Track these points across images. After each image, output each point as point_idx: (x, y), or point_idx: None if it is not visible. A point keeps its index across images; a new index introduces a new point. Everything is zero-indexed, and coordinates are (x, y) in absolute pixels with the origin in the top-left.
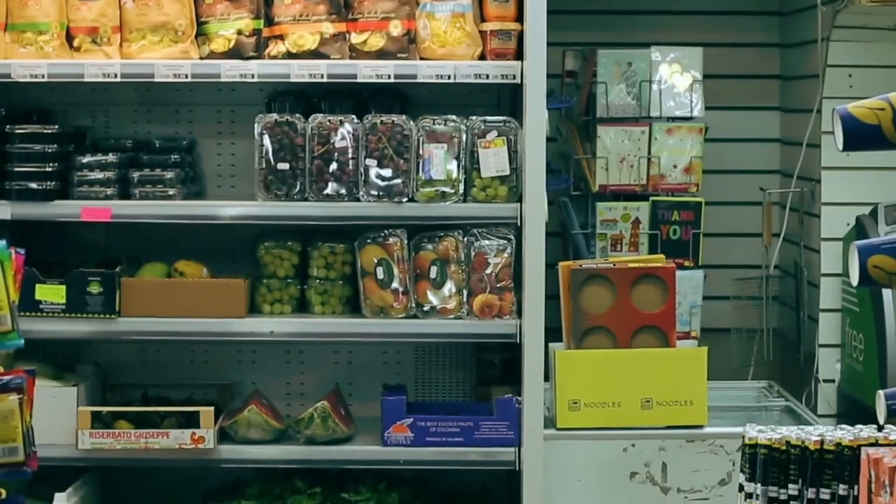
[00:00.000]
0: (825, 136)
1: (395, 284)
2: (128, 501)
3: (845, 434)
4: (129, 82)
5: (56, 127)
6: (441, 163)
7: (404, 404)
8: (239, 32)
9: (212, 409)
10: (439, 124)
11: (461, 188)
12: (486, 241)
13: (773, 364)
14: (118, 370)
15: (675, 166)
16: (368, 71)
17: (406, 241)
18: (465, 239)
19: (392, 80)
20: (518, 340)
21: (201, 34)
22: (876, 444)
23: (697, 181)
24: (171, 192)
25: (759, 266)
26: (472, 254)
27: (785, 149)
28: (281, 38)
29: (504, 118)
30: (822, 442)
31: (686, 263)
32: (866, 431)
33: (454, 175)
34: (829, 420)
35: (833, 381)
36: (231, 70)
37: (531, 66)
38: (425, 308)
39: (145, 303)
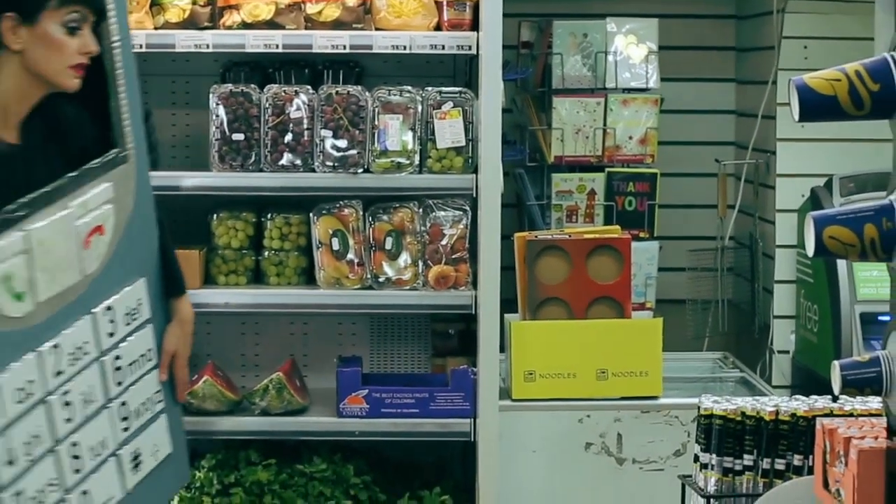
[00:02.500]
0: (780, 108)
1: (350, 255)
2: None
3: (800, 405)
4: None
5: None
6: (396, 134)
7: (359, 376)
8: (194, 2)
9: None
10: (395, 95)
11: (416, 159)
12: (442, 213)
13: (727, 335)
14: None
15: (630, 138)
16: (324, 41)
17: (361, 213)
18: (421, 210)
19: (347, 51)
20: (473, 311)
21: (156, 4)
22: (831, 414)
23: (653, 153)
24: None
25: (714, 237)
26: (428, 225)
27: (740, 120)
28: (236, 7)
29: (460, 89)
30: (777, 413)
31: (641, 235)
32: (821, 402)
33: (409, 146)
34: (783, 391)
35: (787, 352)
36: (186, 40)
37: (487, 37)
38: (381, 279)
39: None
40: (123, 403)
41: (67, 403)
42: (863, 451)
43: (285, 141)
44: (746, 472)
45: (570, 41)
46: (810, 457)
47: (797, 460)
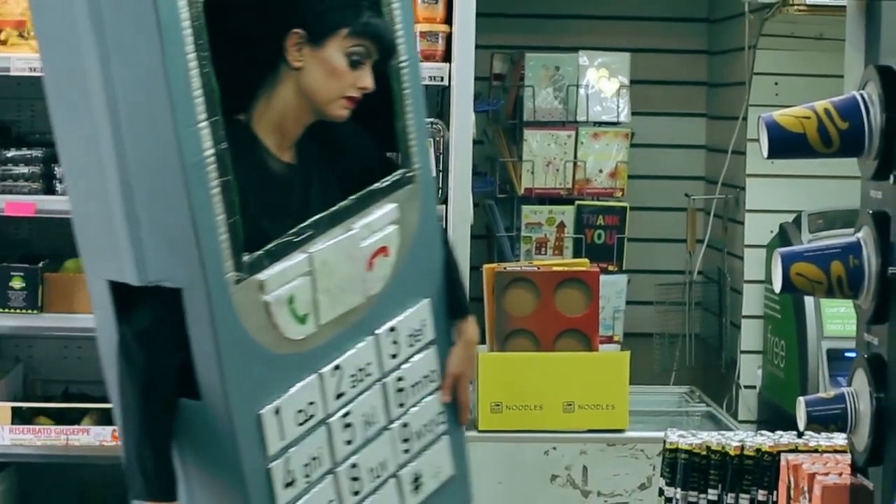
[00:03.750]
0: (750, 144)
1: None
2: (48, 498)
3: (765, 440)
4: None
5: None
6: None
7: None
8: None
9: None
10: None
11: None
12: None
13: (694, 369)
14: (40, 365)
15: (600, 171)
16: None
17: None
18: None
19: None
20: None
21: None
22: (796, 450)
23: (623, 186)
24: None
25: (683, 272)
26: None
27: (710, 155)
28: None
29: (431, 120)
30: (742, 447)
31: (610, 268)
32: (786, 437)
33: None
34: (749, 426)
35: (754, 387)
36: None
37: (459, 69)
38: None
39: (68, 298)
40: (405, 425)
41: (348, 425)
42: (827, 488)
43: None
44: None
45: (542, 74)
46: (775, 492)
47: (761, 495)
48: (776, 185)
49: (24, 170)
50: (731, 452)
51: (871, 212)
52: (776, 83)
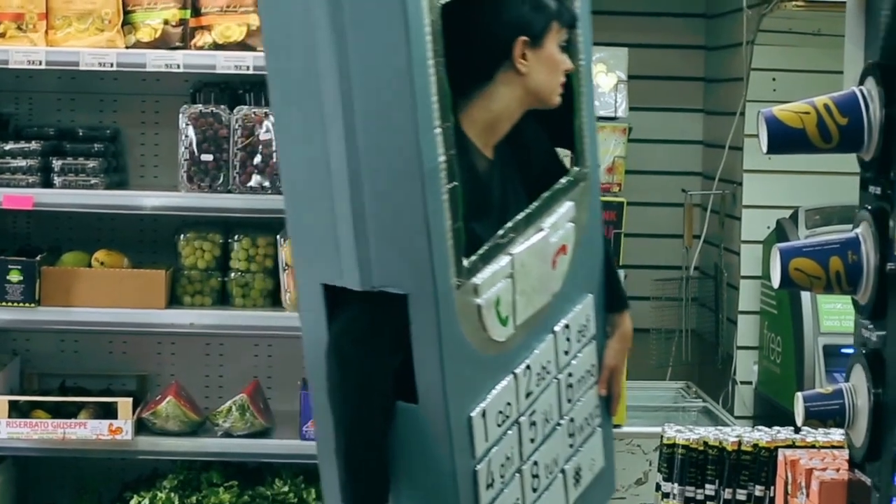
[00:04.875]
0: (748, 139)
1: None
2: (45, 491)
3: (762, 435)
4: (54, 70)
5: None
6: None
7: None
8: (165, 22)
9: (130, 400)
10: None
11: None
12: None
13: (691, 365)
14: (37, 359)
15: (597, 166)
16: None
17: None
18: None
19: None
20: None
21: (128, 23)
22: (793, 445)
23: (620, 181)
24: (93, 181)
25: (680, 267)
26: None
27: (707, 151)
28: (208, 28)
29: None
30: (739, 443)
31: None
32: (784, 433)
33: None
34: (745, 421)
35: (750, 382)
36: (157, 60)
37: None
38: None
39: (65, 292)
40: (572, 420)
41: (533, 423)
42: (824, 483)
43: (254, 162)
44: (708, 502)
45: None
46: (772, 488)
47: (759, 491)
48: (773, 180)
49: (21, 163)
50: (729, 448)
51: (869, 207)
52: (774, 79)
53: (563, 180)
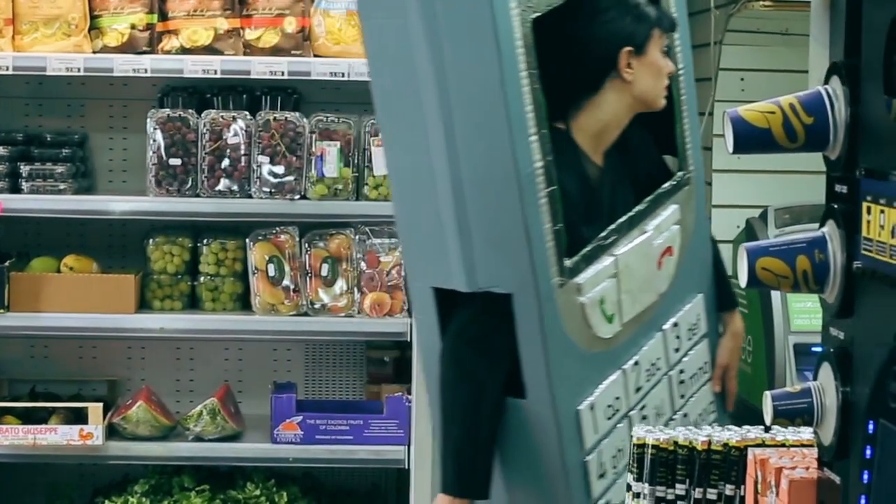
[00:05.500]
0: (716, 139)
1: (286, 282)
2: (16, 497)
3: (732, 435)
4: (21, 75)
5: None
6: (334, 160)
7: (294, 402)
8: (132, 27)
9: (100, 405)
10: (332, 122)
11: (353, 186)
12: (378, 240)
13: None
14: (6, 365)
15: None
16: (262, 67)
17: (298, 239)
18: (357, 237)
19: (286, 77)
20: (409, 339)
21: (94, 28)
22: (763, 444)
23: None
24: (61, 186)
25: None
26: (364, 252)
27: None
28: (175, 32)
29: None
30: (709, 442)
31: None
32: (753, 432)
33: (347, 173)
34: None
35: None
36: (124, 64)
37: None
38: (316, 306)
39: (34, 297)
40: (685, 415)
41: (644, 417)
42: (794, 482)
43: (222, 166)
44: (679, 502)
45: None
46: (742, 487)
47: (729, 490)
48: (742, 180)
49: None
50: (699, 447)
51: (836, 206)
52: (742, 79)
53: (667, 184)
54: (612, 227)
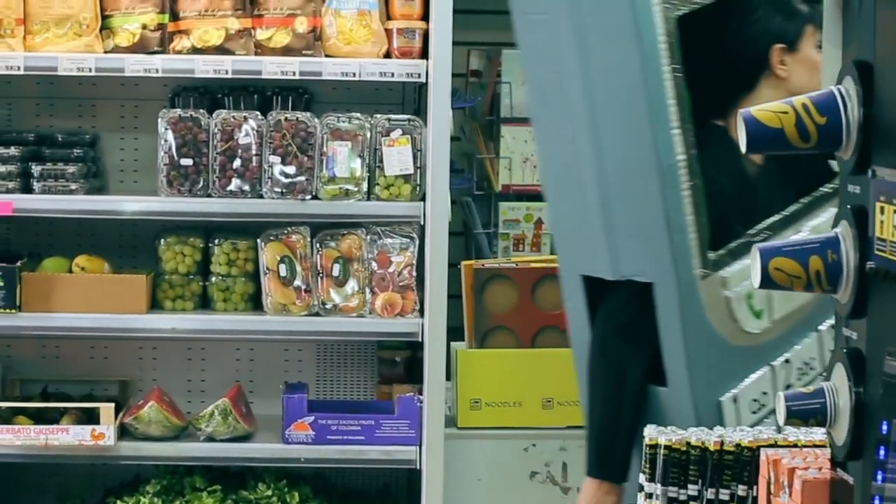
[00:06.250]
0: None
1: (297, 282)
2: (27, 497)
3: (745, 435)
4: (33, 75)
5: None
6: (345, 160)
7: (305, 402)
8: (144, 27)
9: (112, 405)
10: (344, 122)
11: (365, 186)
12: (389, 240)
13: None
14: (18, 365)
15: None
16: (273, 67)
17: (309, 239)
18: (369, 237)
19: (297, 77)
20: (420, 339)
21: (106, 28)
22: (775, 445)
23: None
24: (73, 186)
25: None
26: (375, 252)
27: None
28: (186, 33)
29: (408, 117)
30: (721, 443)
31: None
32: (766, 433)
33: (358, 173)
34: None
35: None
36: (135, 64)
37: (436, 65)
38: (328, 306)
39: (46, 298)
40: None
41: None
42: (807, 482)
43: (233, 167)
44: (691, 502)
45: (518, 70)
46: (755, 487)
47: (741, 491)
48: None
49: (0, 169)
50: (711, 448)
51: (849, 206)
52: None
53: (828, 187)
54: (763, 224)
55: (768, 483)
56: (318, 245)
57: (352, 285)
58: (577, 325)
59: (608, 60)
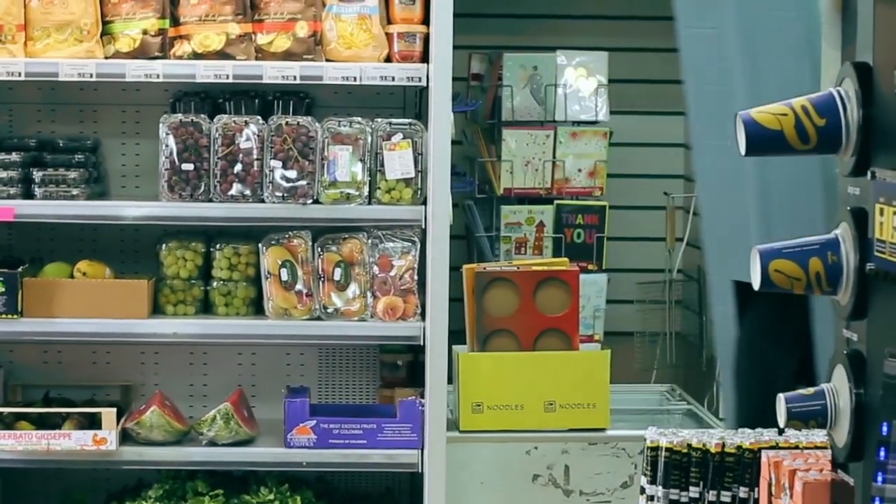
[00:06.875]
0: None
1: (299, 286)
2: (30, 503)
3: (746, 437)
4: (34, 81)
5: None
6: (346, 165)
7: (307, 406)
8: (144, 32)
9: (114, 410)
10: (344, 126)
11: (366, 190)
12: (391, 244)
13: (675, 367)
14: (20, 371)
15: (579, 170)
16: (274, 72)
17: (310, 243)
18: (370, 241)
19: (298, 82)
20: (422, 343)
21: (106, 33)
22: (776, 447)
23: (602, 185)
24: (74, 191)
25: (663, 270)
26: (377, 256)
27: (689, 153)
28: (186, 38)
29: (409, 121)
30: (722, 445)
31: (590, 267)
32: (767, 435)
33: (359, 177)
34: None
35: None
36: (136, 70)
37: (437, 69)
38: (329, 310)
39: (48, 303)
40: None
41: None
42: (808, 484)
43: (234, 171)
44: None
45: (519, 74)
46: (756, 489)
47: (743, 492)
48: None
49: (2, 174)
50: (712, 450)
51: (849, 208)
52: None
53: None
54: None
55: (769, 485)
56: (319, 249)
57: (353, 289)
58: (725, 328)
59: (778, 75)
